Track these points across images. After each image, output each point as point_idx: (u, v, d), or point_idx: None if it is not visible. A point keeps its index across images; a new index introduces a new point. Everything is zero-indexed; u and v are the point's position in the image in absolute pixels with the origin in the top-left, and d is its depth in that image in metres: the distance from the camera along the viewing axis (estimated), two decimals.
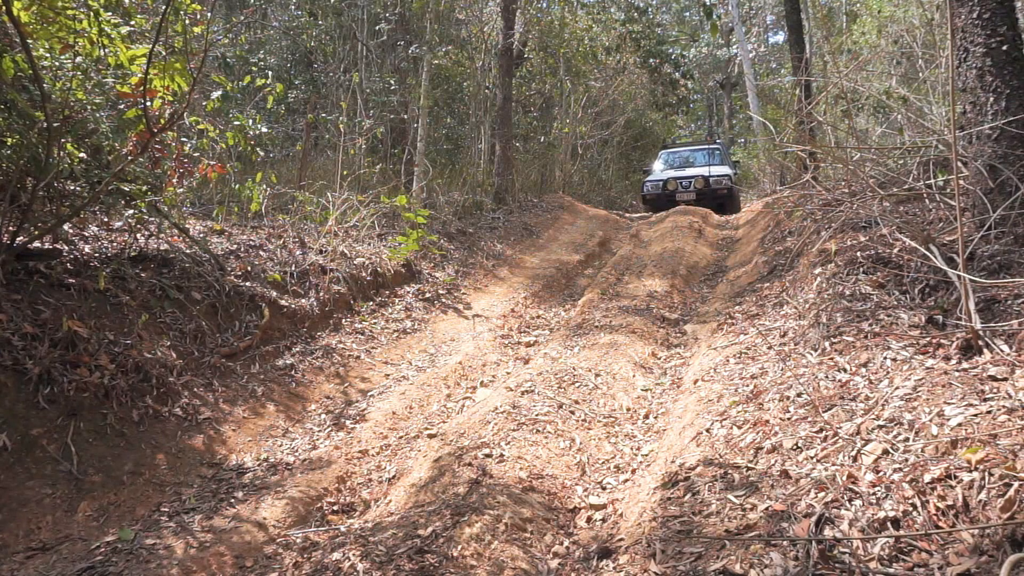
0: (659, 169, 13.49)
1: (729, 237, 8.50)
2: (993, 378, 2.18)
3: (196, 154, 5.08)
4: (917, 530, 1.64)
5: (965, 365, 2.35)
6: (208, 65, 5.34)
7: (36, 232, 3.62)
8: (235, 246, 5.07)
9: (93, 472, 2.87)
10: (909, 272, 3.32)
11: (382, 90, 10.69)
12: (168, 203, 4.63)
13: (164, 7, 3.73)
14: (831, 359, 2.87)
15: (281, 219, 5.84)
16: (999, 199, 3.20)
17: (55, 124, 3.44)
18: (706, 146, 14.20)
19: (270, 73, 6.87)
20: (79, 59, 3.80)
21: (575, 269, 7.54)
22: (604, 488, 2.76)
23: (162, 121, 4.04)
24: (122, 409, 3.19)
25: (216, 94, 4.99)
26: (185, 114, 4.37)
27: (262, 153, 6.06)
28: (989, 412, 1.94)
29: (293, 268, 5.06)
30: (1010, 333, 2.46)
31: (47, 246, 3.82)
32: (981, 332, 2.44)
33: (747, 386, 3.04)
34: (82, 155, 3.86)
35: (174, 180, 4.68)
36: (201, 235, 4.98)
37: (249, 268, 4.78)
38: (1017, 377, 2.12)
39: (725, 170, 12.43)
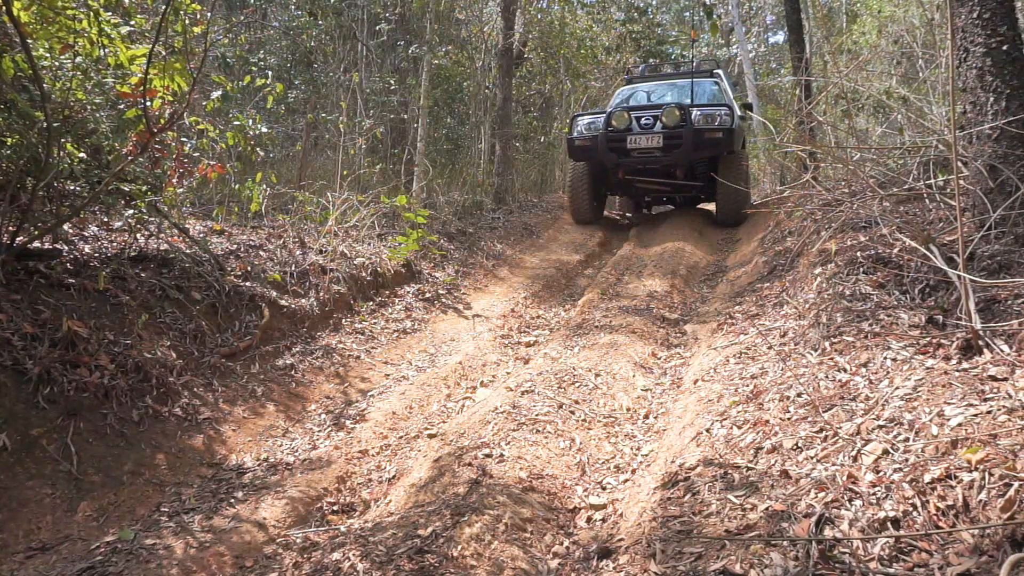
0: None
1: (729, 237, 8.49)
2: (993, 378, 2.18)
3: (196, 154, 5.09)
4: (917, 530, 1.64)
5: (965, 365, 2.35)
6: (208, 65, 5.34)
7: (36, 232, 3.62)
8: (235, 246, 5.07)
9: (93, 472, 2.87)
10: (909, 272, 3.32)
11: (382, 90, 10.70)
12: (168, 203, 4.63)
13: (164, 7, 3.73)
14: (831, 359, 2.87)
15: (281, 219, 5.84)
16: (999, 199, 3.20)
17: (55, 124, 3.44)
18: (698, 79, 8.83)
19: (270, 73, 6.88)
20: (79, 59, 3.80)
21: (575, 269, 7.54)
22: (604, 488, 2.76)
23: (162, 121, 4.04)
24: (122, 409, 3.19)
25: (216, 94, 4.99)
26: (185, 114, 4.38)
27: (262, 153, 6.06)
28: (989, 412, 1.94)
29: (293, 268, 5.06)
30: (1010, 333, 2.46)
31: (47, 246, 3.82)
32: (981, 332, 2.44)
33: (747, 386, 3.04)
34: (82, 155, 3.87)
35: (174, 180, 4.69)
36: (201, 235, 4.98)
37: (249, 268, 4.78)
38: (1017, 377, 2.12)
39: (723, 107, 7.83)
